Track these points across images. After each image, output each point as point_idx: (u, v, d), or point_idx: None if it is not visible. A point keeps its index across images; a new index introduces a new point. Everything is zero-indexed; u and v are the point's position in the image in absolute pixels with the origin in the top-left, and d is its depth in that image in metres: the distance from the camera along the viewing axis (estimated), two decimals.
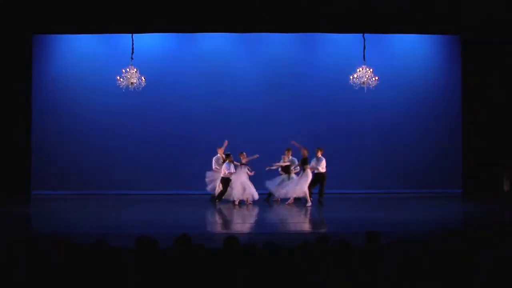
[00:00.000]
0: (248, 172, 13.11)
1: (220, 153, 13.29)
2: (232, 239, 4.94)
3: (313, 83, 15.57)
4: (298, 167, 13.27)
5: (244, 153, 13.11)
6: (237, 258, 4.66)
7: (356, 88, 13.48)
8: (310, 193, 12.79)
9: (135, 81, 13.40)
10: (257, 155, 13.02)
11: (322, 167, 12.77)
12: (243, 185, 12.94)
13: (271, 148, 15.38)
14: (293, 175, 13.26)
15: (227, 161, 12.87)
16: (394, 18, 13.62)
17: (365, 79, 13.28)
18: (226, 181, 12.94)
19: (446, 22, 13.93)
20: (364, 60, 13.45)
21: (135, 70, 13.44)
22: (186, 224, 10.40)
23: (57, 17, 13.49)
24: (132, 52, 13.65)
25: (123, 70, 13.45)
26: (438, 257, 4.64)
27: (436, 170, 15.48)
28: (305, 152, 12.86)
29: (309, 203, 12.67)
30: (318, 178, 12.79)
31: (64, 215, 11.47)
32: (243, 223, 11.11)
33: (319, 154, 12.84)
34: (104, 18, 13.51)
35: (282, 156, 13.40)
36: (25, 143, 14.89)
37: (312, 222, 11.34)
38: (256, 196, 13.00)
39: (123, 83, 13.44)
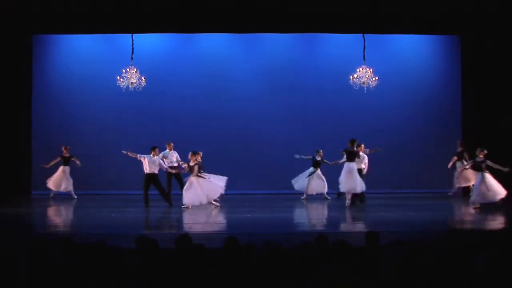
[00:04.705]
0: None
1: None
2: (232, 239, 4.94)
3: (313, 83, 15.55)
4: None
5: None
6: (237, 258, 4.65)
7: (356, 88, 13.49)
8: None
9: (135, 81, 13.41)
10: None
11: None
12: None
13: (271, 148, 15.42)
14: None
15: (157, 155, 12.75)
16: (394, 18, 13.63)
17: (365, 79, 13.28)
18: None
19: (446, 22, 13.93)
20: (364, 60, 13.46)
21: (135, 70, 13.45)
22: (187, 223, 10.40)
23: (57, 17, 13.50)
24: (132, 52, 13.67)
25: (123, 70, 13.47)
26: (438, 257, 4.64)
27: (436, 170, 15.45)
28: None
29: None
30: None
31: (64, 215, 11.46)
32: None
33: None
34: (104, 18, 13.52)
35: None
36: (25, 143, 14.90)
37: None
38: None
39: (123, 83, 13.45)
